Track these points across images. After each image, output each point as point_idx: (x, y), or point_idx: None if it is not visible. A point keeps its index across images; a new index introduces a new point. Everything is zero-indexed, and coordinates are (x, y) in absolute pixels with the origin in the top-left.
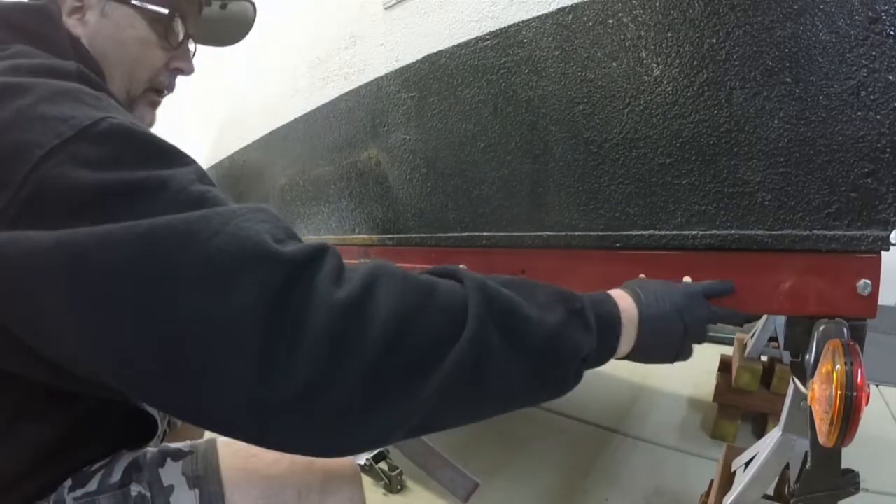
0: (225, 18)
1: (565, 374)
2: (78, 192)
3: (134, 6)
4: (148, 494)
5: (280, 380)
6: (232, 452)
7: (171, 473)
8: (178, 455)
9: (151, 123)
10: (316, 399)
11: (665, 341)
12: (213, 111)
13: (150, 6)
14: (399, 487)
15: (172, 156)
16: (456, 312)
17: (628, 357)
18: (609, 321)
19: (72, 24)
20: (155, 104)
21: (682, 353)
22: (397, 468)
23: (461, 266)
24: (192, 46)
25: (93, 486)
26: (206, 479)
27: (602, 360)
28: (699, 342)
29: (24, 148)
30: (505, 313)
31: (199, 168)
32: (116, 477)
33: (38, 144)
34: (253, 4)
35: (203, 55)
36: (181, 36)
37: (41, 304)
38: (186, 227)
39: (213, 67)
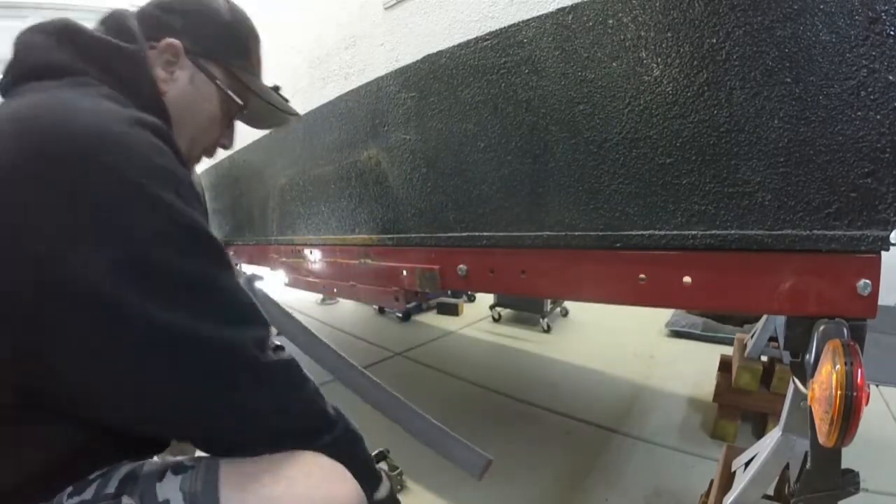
0: (272, 114)
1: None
2: (175, 276)
3: (218, 86)
4: None
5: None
6: (232, 471)
7: (169, 488)
8: (178, 469)
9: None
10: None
11: None
12: None
13: (232, 94)
14: (399, 487)
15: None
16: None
17: None
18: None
19: (161, 76)
20: (198, 163)
21: None
22: (397, 468)
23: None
24: None
25: (88, 494)
26: (203, 497)
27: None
28: None
29: (138, 228)
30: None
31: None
32: (111, 488)
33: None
34: (298, 116)
35: None
36: (235, 119)
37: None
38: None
39: None
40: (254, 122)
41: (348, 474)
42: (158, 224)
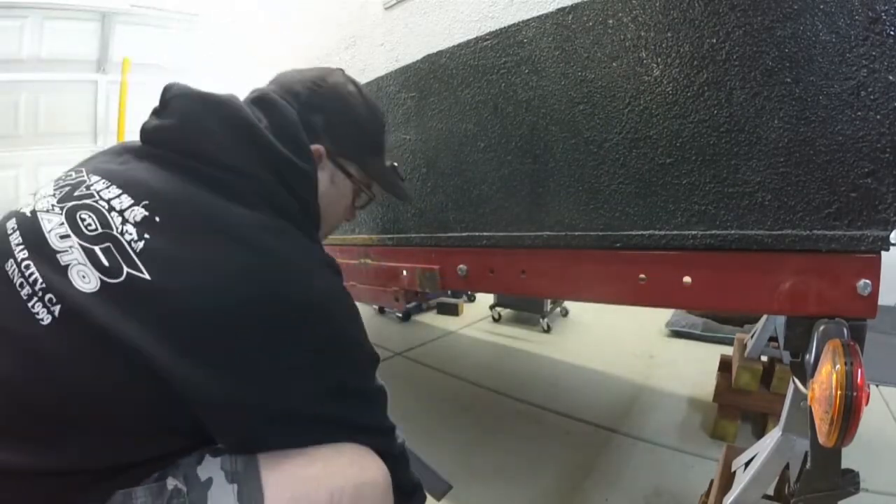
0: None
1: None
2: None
3: (353, 182)
4: (184, 488)
5: None
6: (269, 454)
7: (210, 468)
8: (216, 452)
9: None
10: None
11: None
12: None
13: (364, 189)
14: None
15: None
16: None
17: None
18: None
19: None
20: None
21: None
22: None
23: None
24: None
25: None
26: (246, 476)
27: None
28: None
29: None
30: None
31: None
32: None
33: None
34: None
35: (202, 56)
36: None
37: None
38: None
39: (213, 68)
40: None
41: (376, 456)
42: (357, 357)
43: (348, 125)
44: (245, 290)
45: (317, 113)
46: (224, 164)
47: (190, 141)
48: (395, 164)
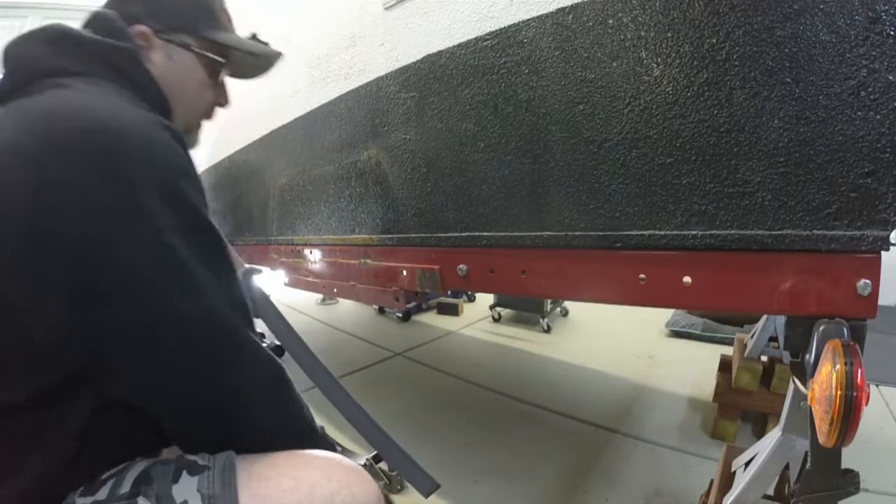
0: (255, 61)
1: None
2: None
3: (195, 52)
4: None
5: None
6: (249, 474)
7: (186, 489)
8: (194, 469)
9: (197, 145)
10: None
11: None
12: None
13: (211, 55)
14: (399, 487)
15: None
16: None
17: None
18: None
19: (145, 64)
20: (198, 131)
21: None
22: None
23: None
24: None
25: (102, 494)
26: (223, 498)
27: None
28: None
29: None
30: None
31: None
32: (126, 488)
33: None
34: (280, 54)
35: None
36: (224, 77)
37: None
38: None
39: None
40: (243, 74)
41: (367, 474)
42: (179, 218)
43: (166, 1)
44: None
45: (136, 3)
46: (54, 71)
47: (20, 68)
48: (255, 33)
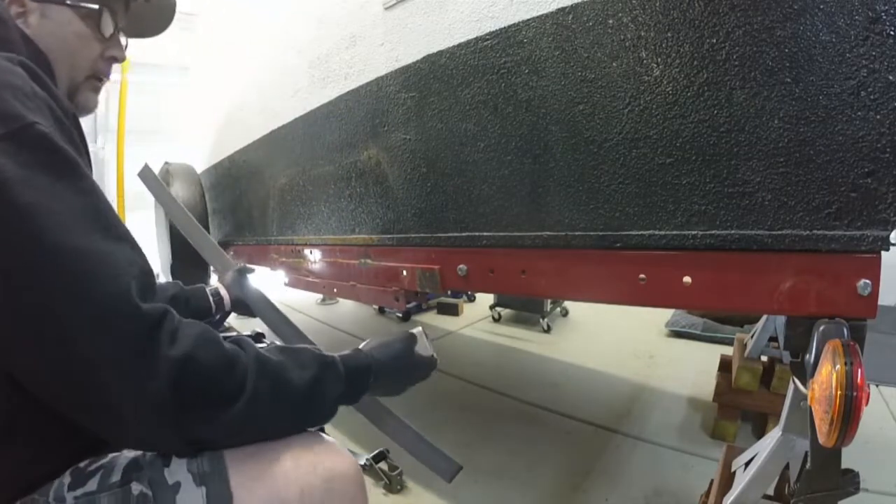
0: (150, 11)
1: (320, 410)
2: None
3: (68, 5)
4: (149, 493)
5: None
6: (236, 451)
7: (177, 471)
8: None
9: (95, 105)
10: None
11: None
12: (213, 111)
13: (82, 3)
14: (399, 487)
15: (78, 169)
16: (240, 379)
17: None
18: (360, 369)
19: (21, 25)
20: (97, 89)
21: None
22: (397, 468)
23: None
24: (123, 39)
25: (92, 485)
26: (213, 477)
27: (356, 398)
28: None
29: None
30: (272, 375)
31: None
32: (116, 477)
33: None
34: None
35: (202, 56)
36: (111, 28)
37: None
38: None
39: (213, 68)
40: (143, 29)
41: (344, 449)
42: None
43: None
44: None
45: None
46: None
47: None
48: None
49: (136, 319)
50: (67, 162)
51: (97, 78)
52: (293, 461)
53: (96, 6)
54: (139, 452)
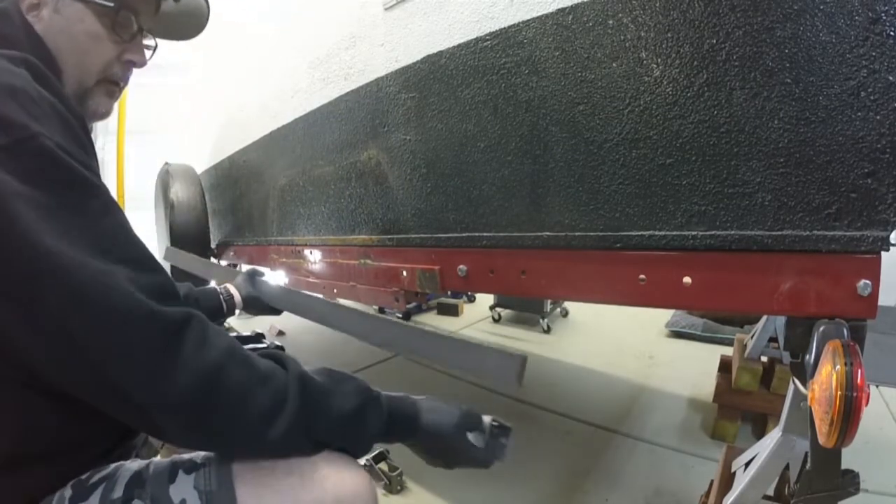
0: (181, 13)
1: (355, 443)
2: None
3: (83, 1)
4: None
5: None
6: (245, 467)
7: (183, 488)
8: (190, 467)
9: (107, 112)
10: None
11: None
12: (213, 111)
13: (97, 1)
14: (399, 488)
15: (83, 186)
16: (280, 397)
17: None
18: (405, 416)
19: (32, 20)
20: (112, 94)
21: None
22: (397, 468)
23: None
24: (150, 41)
25: (94, 500)
26: (220, 495)
27: (392, 440)
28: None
29: None
30: (313, 397)
31: (107, 198)
32: (119, 493)
33: None
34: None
35: (202, 56)
36: (132, 29)
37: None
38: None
39: (213, 68)
40: (171, 32)
41: (356, 466)
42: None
43: None
44: None
45: None
46: None
47: None
48: None
49: (155, 318)
50: (71, 177)
51: (113, 82)
52: (301, 478)
53: (111, 4)
54: (143, 464)
